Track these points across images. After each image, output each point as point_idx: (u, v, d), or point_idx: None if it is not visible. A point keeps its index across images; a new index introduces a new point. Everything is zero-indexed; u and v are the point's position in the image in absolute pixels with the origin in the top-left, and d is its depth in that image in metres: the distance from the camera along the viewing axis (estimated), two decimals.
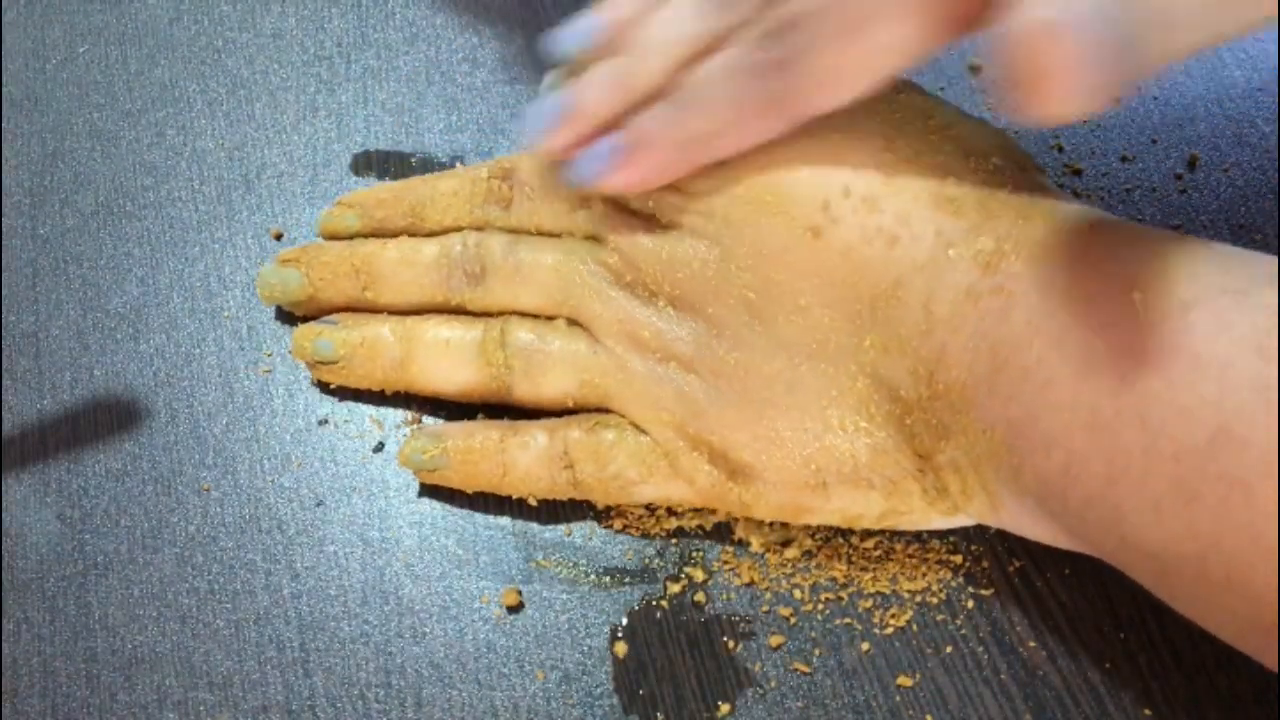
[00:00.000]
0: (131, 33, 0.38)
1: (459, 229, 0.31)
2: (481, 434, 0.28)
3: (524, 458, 0.28)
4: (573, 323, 0.29)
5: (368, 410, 0.31)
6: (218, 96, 0.37)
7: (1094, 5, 0.17)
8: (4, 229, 0.34)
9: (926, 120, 0.26)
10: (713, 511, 0.29)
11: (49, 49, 0.38)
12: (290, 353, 0.31)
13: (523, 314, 0.30)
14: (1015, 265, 0.23)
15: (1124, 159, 0.34)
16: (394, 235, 0.31)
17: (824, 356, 0.26)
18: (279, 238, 0.34)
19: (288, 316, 0.32)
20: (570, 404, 0.29)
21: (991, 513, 0.25)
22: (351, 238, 0.32)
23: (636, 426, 0.28)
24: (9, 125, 0.37)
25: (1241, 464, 0.19)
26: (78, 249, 0.34)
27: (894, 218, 0.24)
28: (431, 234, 0.31)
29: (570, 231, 0.30)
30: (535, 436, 0.28)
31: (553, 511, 0.29)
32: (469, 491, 0.29)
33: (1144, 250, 0.22)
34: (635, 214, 0.28)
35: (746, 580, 0.28)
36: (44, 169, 0.36)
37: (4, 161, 0.36)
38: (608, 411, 0.28)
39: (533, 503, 0.29)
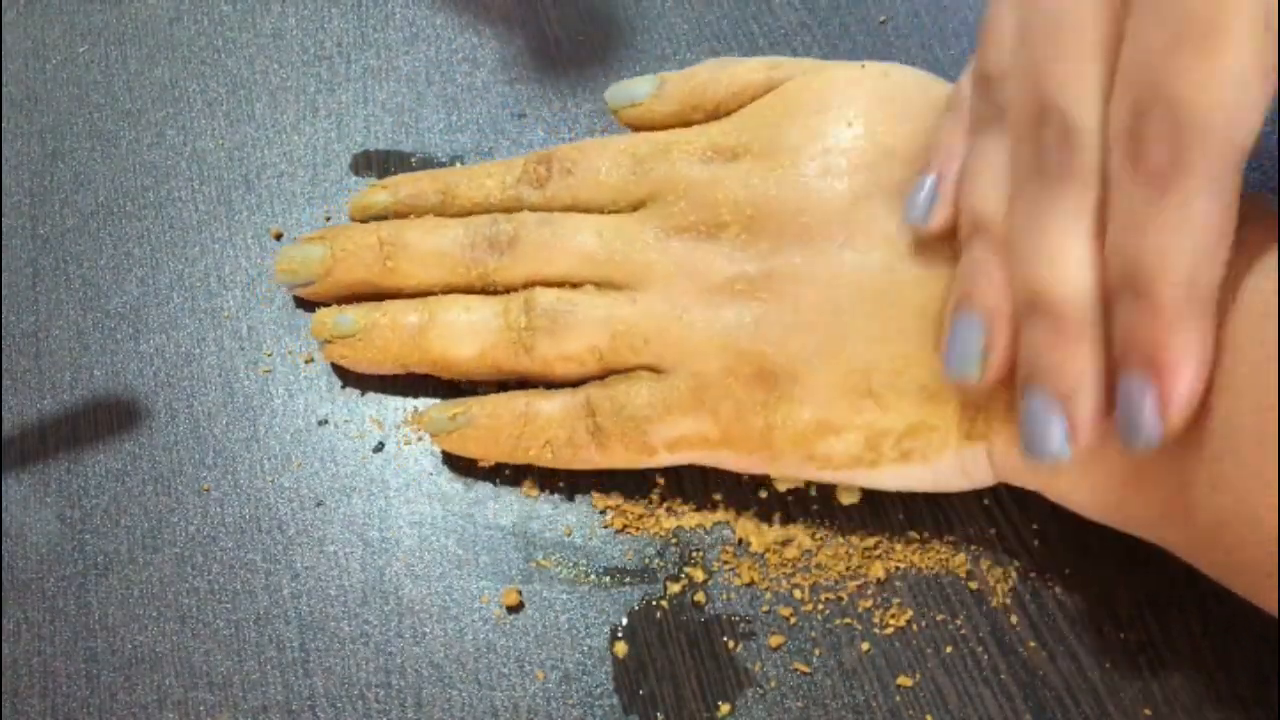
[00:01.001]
0: (131, 33, 0.38)
1: (488, 207, 0.31)
2: (505, 397, 0.29)
3: (547, 407, 0.28)
4: (599, 288, 0.29)
5: (368, 410, 0.31)
6: (218, 96, 0.37)
7: None
8: (4, 229, 0.34)
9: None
10: (713, 511, 0.29)
11: (49, 49, 0.38)
12: (310, 331, 0.31)
13: (547, 284, 0.30)
14: None
15: None
16: (423, 214, 0.32)
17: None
18: (279, 238, 0.34)
19: (288, 316, 0.32)
20: (595, 361, 0.28)
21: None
22: (381, 219, 0.32)
23: (657, 374, 0.28)
24: (9, 125, 0.37)
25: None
26: (78, 249, 0.34)
27: None
28: (462, 210, 0.31)
29: (614, 201, 0.30)
30: (558, 394, 0.29)
31: (553, 511, 0.29)
32: (483, 461, 0.29)
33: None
34: (715, 157, 0.29)
35: (746, 580, 0.28)
36: (44, 169, 0.36)
37: (4, 161, 0.36)
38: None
39: (533, 494, 0.29)
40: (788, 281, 0.27)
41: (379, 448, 0.30)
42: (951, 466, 0.26)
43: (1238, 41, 0.19)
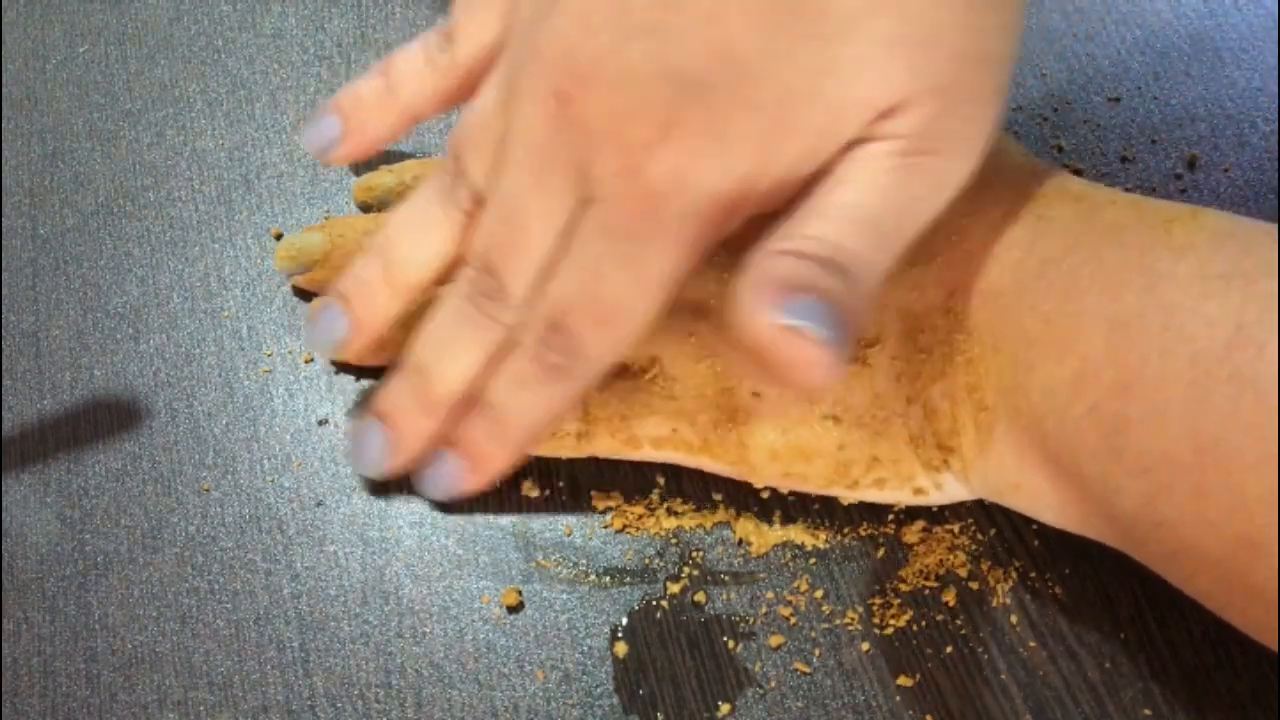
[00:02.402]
0: (131, 33, 0.38)
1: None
2: None
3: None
4: None
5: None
6: (218, 96, 0.37)
7: (819, 280, 0.20)
8: (4, 229, 0.34)
9: None
10: (713, 511, 0.29)
11: (49, 49, 0.38)
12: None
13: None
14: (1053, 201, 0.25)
15: (1124, 159, 0.34)
16: None
17: None
18: (279, 238, 0.34)
19: (288, 316, 0.32)
20: None
21: (977, 453, 0.25)
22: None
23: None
24: (9, 125, 0.37)
25: (1255, 365, 0.20)
26: (78, 249, 0.34)
27: None
28: None
29: None
30: None
31: (553, 511, 0.29)
32: None
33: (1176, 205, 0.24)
34: None
35: (747, 580, 0.28)
36: (44, 169, 0.36)
37: (4, 161, 0.36)
38: None
39: (533, 494, 0.29)
40: None
41: None
42: (926, 487, 0.27)
43: (631, 320, 0.24)
